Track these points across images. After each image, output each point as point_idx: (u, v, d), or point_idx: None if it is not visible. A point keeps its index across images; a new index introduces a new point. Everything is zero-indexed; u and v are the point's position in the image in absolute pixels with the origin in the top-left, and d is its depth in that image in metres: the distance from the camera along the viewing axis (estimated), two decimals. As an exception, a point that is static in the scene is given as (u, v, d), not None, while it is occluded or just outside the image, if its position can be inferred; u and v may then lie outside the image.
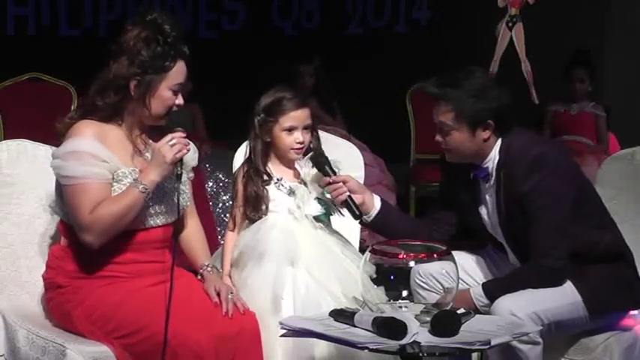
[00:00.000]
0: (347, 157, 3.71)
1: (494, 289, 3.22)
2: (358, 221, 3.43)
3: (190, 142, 3.15)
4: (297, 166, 3.48)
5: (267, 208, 3.45)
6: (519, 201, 3.21)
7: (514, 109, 3.27)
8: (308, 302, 3.24)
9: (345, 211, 3.42)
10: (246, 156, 3.54)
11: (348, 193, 3.31)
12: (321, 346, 3.15)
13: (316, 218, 3.45)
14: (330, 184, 3.32)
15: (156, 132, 3.13)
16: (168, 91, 3.02)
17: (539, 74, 5.72)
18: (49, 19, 7.20)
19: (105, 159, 2.96)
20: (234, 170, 3.65)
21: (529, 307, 3.09)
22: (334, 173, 3.35)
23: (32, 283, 3.24)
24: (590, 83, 6.37)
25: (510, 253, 3.39)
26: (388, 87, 7.06)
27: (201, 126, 6.52)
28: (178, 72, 3.03)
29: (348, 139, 4.17)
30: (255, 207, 3.45)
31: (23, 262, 3.26)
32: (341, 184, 3.32)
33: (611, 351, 3.27)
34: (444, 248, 2.95)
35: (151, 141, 3.11)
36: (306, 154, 3.50)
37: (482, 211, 3.38)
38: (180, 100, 3.06)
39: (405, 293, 2.92)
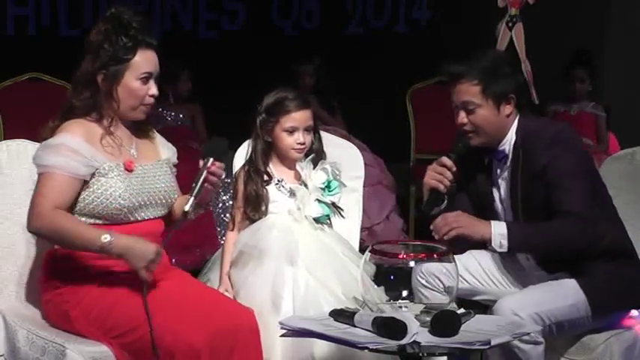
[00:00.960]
0: (347, 157, 3.72)
1: (516, 233, 3.19)
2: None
3: (169, 143, 3.25)
4: (298, 167, 3.49)
5: (266, 208, 3.46)
6: (539, 174, 3.21)
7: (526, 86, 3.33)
8: (307, 301, 3.24)
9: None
10: (248, 155, 3.55)
11: (445, 186, 3.28)
12: (321, 345, 3.15)
13: (316, 220, 3.45)
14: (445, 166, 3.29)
15: (140, 128, 3.17)
16: (135, 81, 3.04)
17: (539, 74, 5.72)
18: (49, 19, 7.20)
19: (86, 155, 2.97)
20: (234, 170, 3.66)
21: (531, 308, 3.09)
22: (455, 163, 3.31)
23: (32, 283, 3.23)
24: (590, 83, 6.36)
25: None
26: (388, 87, 7.06)
27: (202, 126, 6.53)
28: (144, 61, 3.05)
29: (348, 139, 4.17)
30: (254, 207, 3.46)
31: (23, 262, 3.26)
32: (448, 172, 3.29)
33: (611, 351, 3.27)
34: (444, 248, 2.95)
35: (135, 138, 3.15)
36: (308, 155, 3.50)
37: (496, 196, 3.38)
38: (153, 90, 3.08)
39: (405, 293, 2.92)
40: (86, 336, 2.99)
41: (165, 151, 3.24)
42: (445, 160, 3.29)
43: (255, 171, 3.49)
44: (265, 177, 3.49)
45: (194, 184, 3.00)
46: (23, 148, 3.35)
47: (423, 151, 6.76)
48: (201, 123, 6.52)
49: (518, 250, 3.19)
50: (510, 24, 5.71)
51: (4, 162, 3.31)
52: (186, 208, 2.98)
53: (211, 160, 3.01)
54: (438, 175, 3.28)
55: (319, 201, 3.46)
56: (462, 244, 3.34)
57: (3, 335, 3.10)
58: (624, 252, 3.31)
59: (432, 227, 3.21)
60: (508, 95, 3.28)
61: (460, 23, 7.50)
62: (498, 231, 3.17)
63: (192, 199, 2.99)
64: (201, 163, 3.03)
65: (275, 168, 3.52)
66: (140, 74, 3.04)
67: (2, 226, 3.26)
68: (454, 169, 3.29)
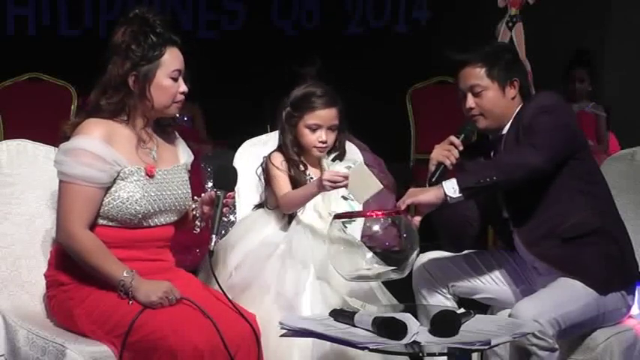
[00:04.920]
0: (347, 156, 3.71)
1: (465, 174, 3.19)
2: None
3: (188, 148, 3.24)
4: (324, 164, 3.47)
5: None
6: (524, 132, 3.24)
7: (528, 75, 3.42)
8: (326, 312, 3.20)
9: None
10: (278, 145, 3.51)
11: (451, 162, 3.26)
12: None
13: (344, 223, 3.40)
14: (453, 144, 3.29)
15: (163, 131, 3.17)
16: (167, 79, 3.04)
17: (539, 74, 5.73)
18: (49, 19, 7.22)
19: (108, 160, 2.97)
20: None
21: (550, 313, 3.09)
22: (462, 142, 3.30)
23: (32, 283, 3.23)
24: (590, 83, 6.37)
25: (516, 235, 3.38)
26: (388, 87, 7.07)
27: (201, 126, 6.52)
28: (173, 58, 3.05)
29: (348, 139, 4.16)
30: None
31: (23, 262, 3.26)
32: (455, 150, 3.28)
33: (611, 351, 3.26)
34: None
35: (158, 138, 3.14)
36: (330, 153, 3.48)
37: None
38: (183, 87, 3.08)
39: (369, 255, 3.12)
40: (88, 335, 2.99)
41: (184, 155, 3.24)
42: (453, 138, 3.32)
43: (292, 159, 3.46)
44: (301, 166, 3.46)
45: (213, 221, 3.03)
46: (23, 148, 3.35)
47: (423, 151, 6.75)
48: (201, 123, 6.52)
49: (468, 185, 3.11)
50: (510, 24, 5.72)
51: (4, 162, 3.31)
52: (211, 247, 3.01)
53: (224, 193, 3.05)
54: (446, 151, 3.30)
55: (344, 197, 3.45)
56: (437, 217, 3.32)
57: (3, 335, 3.10)
58: (602, 228, 3.29)
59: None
60: (512, 77, 3.36)
61: (460, 23, 7.50)
62: (448, 182, 3.14)
63: (214, 237, 3.01)
64: (212, 194, 3.07)
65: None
66: (171, 72, 3.05)
67: (2, 226, 3.26)
68: (461, 148, 3.30)
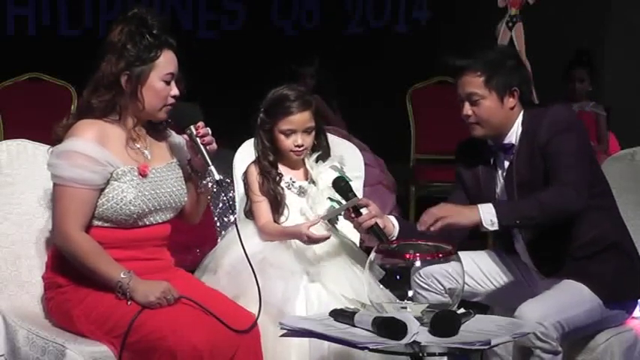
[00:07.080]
0: (347, 157, 3.70)
1: (504, 207, 3.18)
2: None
3: (177, 137, 3.21)
4: (308, 165, 3.45)
5: (283, 210, 3.41)
6: (539, 152, 3.23)
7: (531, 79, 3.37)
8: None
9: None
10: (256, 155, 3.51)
11: (375, 220, 3.25)
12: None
13: (330, 220, 3.39)
14: (356, 210, 3.26)
15: (155, 128, 3.15)
16: (159, 81, 3.03)
17: (539, 74, 5.72)
18: (49, 19, 7.23)
19: (101, 161, 2.96)
20: (234, 170, 3.64)
21: (554, 317, 3.10)
22: (355, 196, 3.27)
23: (32, 283, 3.23)
24: (590, 83, 6.36)
25: (521, 242, 3.38)
26: (388, 87, 7.07)
27: (201, 126, 6.51)
28: (167, 61, 3.04)
29: (348, 139, 4.16)
30: (275, 208, 3.42)
31: (23, 262, 3.26)
32: (370, 211, 3.26)
33: (611, 351, 3.27)
34: (449, 248, 2.94)
35: (150, 138, 3.13)
36: (313, 153, 3.47)
37: (498, 191, 3.38)
38: (175, 91, 3.07)
39: (410, 293, 2.93)
40: (87, 336, 2.99)
41: (178, 151, 3.22)
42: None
43: (266, 171, 3.46)
44: (277, 177, 3.45)
45: (200, 156, 3.04)
46: (23, 148, 3.35)
47: (423, 151, 6.77)
48: (201, 123, 6.51)
49: (509, 223, 3.16)
50: (510, 24, 5.71)
51: (4, 162, 3.31)
52: (217, 177, 3.01)
53: (192, 127, 3.06)
54: (361, 219, 3.26)
55: (330, 199, 3.43)
56: (457, 234, 3.29)
57: (3, 335, 3.11)
58: (615, 243, 3.31)
59: (418, 224, 3.18)
60: (512, 87, 3.31)
61: (460, 23, 7.51)
62: (486, 210, 3.15)
63: (212, 167, 3.02)
64: (185, 137, 3.09)
65: (281, 167, 3.48)
66: (164, 75, 3.03)
67: (2, 226, 3.26)
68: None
